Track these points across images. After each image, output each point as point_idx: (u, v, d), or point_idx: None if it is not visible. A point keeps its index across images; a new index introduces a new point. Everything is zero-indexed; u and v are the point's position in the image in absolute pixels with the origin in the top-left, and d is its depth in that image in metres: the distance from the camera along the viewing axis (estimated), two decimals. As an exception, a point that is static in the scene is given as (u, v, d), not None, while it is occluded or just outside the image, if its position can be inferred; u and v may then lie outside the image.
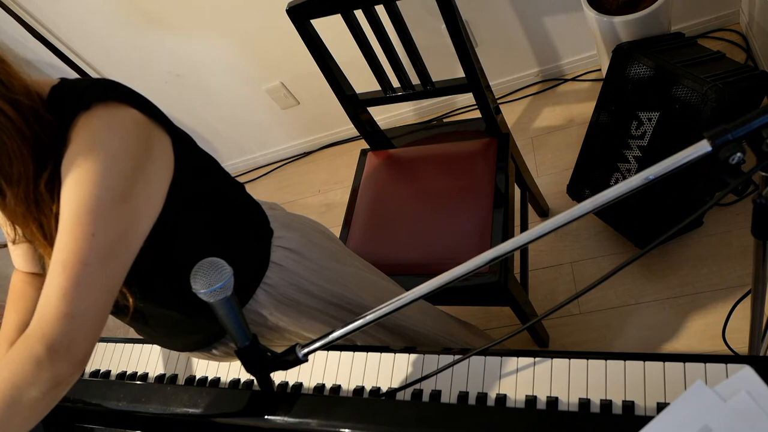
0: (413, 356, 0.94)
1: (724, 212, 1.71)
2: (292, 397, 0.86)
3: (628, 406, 0.78)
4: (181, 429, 0.91)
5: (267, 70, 2.25)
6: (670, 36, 1.74)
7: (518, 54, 2.19)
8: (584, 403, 0.80)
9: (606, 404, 0.79)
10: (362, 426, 0.80)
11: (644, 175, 0.62)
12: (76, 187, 0.72)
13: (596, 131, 1.72)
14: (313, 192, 2.51)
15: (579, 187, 1.79)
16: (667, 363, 0.79)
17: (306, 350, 0.80)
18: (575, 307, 1.74)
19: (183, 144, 0.86)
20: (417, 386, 0.91)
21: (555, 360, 0.85)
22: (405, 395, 0.90)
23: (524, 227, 1.72)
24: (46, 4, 2.02)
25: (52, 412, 0.73)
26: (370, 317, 0.75)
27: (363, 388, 0.94)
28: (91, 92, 0.77)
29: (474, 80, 1.40)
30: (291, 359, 0.81)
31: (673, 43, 1.69)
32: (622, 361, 0.81)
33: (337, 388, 0.95)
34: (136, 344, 1.16)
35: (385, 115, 2.43)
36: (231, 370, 1.05)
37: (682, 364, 0.78)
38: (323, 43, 1.42)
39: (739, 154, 0.58)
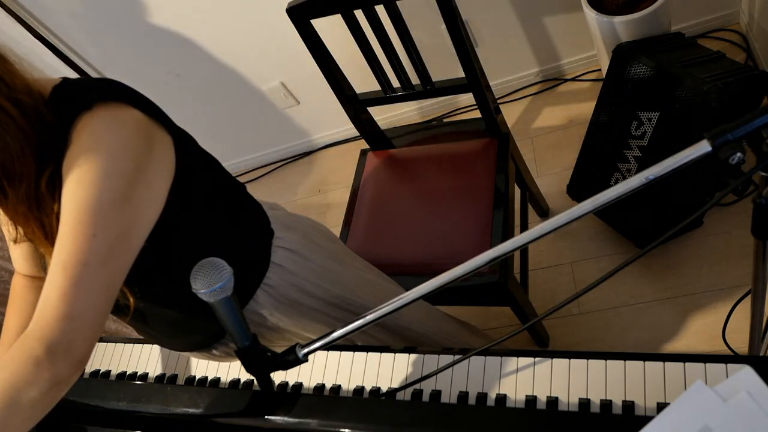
0: (413, 356, 0.94)
1: (724, 212, 1.71)
2: (292, 397, 0.86)
3: (628, 406, 0.78)
4: (181, 429, 0.91)
5: (267, 70, 2.25)
6: (670, 36, 1.74)
7: (518, 54, 2.19)
8: (584, 403, 0.80)
9: (606, 404, 0.79)
10: (362, 426, 0.80)
11: (644, 175, 0.62)
12: (77, 187, 0.72)
13: (596, 131, 1.72)
14: (313, 192, 2.50)
15: (579, 187, 1.79)
16: (667, 363, 0.79)
17: (306, 350, 0.80)
18: (575, 307, 1.74)
19: (184, 144, 0.86)
20: (417, 386, 0.91)
21: (555, 360, 0.85)
22: (405, 395, 0.90)
23: (524, 227, 1.72)
24: (46, 4, 2.02)
25: (52, 412, 0.73)
26: (370, 317, 0.75)
27: (363, 388, 0.94)
28: (93, 92, 0.77)
29: (474, 80, 1.40)
30: (291, 359, 0.82)
31: (673, 43, 1.68)
32: (622, 361, 0.81)
33: (337, 388, 0.95)
34: (136, 344, 1.16)
35: (385, 115, 2.43)
36: (231, 370, 1.05)
37: (682, 364, 0.78)
38: (323, 43, 1.42)
39: (739, 154, 0.58)
